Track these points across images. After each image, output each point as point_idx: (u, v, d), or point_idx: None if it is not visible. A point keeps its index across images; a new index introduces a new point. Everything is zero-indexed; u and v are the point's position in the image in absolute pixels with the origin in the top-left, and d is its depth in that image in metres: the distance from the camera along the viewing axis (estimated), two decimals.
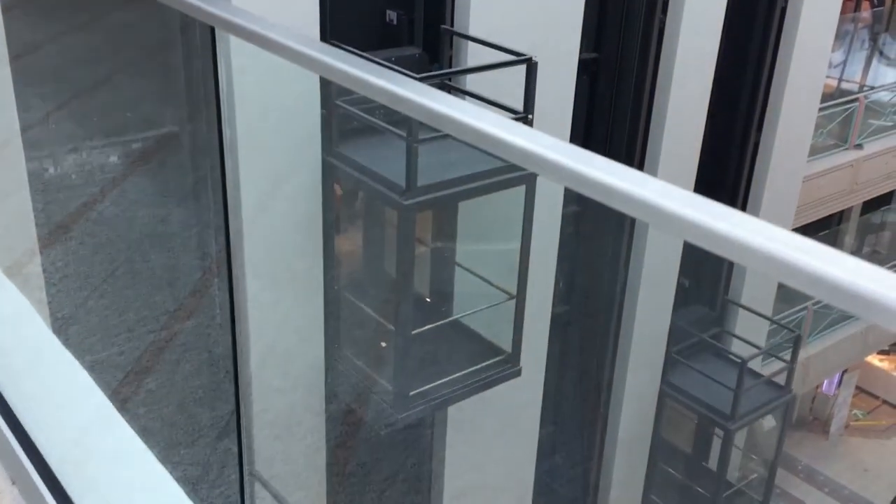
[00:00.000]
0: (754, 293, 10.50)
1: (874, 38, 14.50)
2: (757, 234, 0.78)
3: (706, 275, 10.29)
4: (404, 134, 5.60)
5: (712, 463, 10.18)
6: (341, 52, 1.21)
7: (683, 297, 9.73)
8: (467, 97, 6.70)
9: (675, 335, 9.69)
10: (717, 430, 9.81)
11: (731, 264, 10.00)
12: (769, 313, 10.88)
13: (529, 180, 6.30)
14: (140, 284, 5.77)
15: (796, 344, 10.08)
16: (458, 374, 6.62)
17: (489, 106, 6.21)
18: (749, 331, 10.38)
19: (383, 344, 6.81)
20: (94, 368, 5.23)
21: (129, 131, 5.64)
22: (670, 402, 9.85)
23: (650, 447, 10.05)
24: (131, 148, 5.66)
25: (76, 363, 2.04)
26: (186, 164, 5.95)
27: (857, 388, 17.98)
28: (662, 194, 0.84)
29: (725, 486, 9.84)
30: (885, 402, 18.43)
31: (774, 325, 11.03)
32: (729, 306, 10.61)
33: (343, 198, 6.77)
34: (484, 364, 6.77)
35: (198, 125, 5.77)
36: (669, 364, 9.75)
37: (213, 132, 5.77)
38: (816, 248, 0.76)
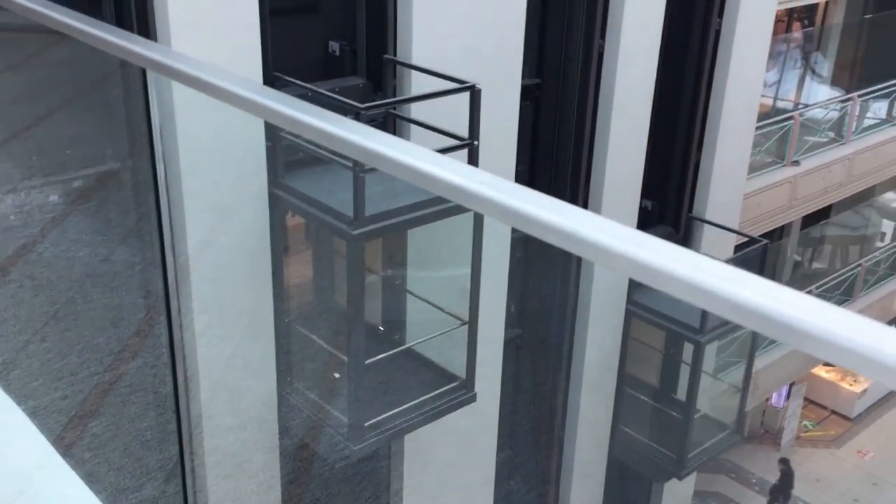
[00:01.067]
0: (719, 209, 10.39)
1: (806, 58, 14.94)
2: (680, 263, 0.79)
3: (670, 195, 10.10)
4: (351, 164, 5.59)
5: (680, 395, 9.99)
6: (276, 92, 1.21)
7: (647, 219, 9.59)
8: (413, 125, 6.73)
9: None
10: (685, 359, 9.61)
11: (694, 182, 10.09)
12: (735, 227, 10.71)
13: None
14: (82, 326, 5.64)
15: (764, 254, 9.82)
16: (413, 403, 6.58)
17: (435, 133, 6.25)
18: (716, 246, 10.23)
19: (336, 375, 6.75)
20: (36, 414, 5.08)
21: (69, 169, 5.54)
22: (637, 322, 9.62)
23: (617, 379, 9.88)
24: (72, 186, 5.56)
25: (18, 409, 1.99)
26: (128, 200, 5.85)
27: (806, 399, 18.30)
28: (595, 228, 0.86)
29: (696, 411, 9.66)
30: (833, 412, 18.79)
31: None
32: (694, 224, 10.39)
33: (291, 229, 6.72)
34: (439, 391, 6.74)
35: (139, 161, 5.69)
36: (634, 284, 9.50)
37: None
38: (740, 275, 0.78)
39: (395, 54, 6.83)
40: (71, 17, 1.54)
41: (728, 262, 9.00)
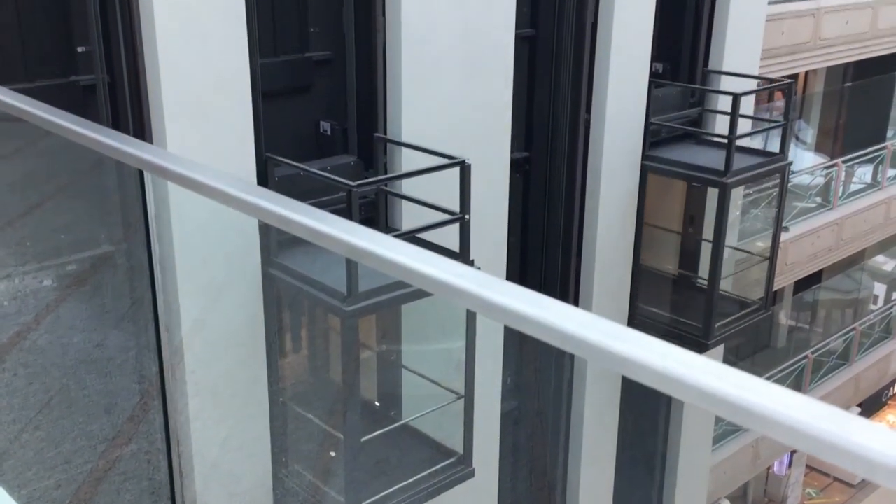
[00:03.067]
0: (738, 59, 9.79)
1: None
2: (669, 359, 0.81)
3: (683, 54, 9.56)
4: None
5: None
6: (268, 191, 1.25)
7: (658, 79, 9.14)
8: (404, 201, 6.80)
9: (653, 110, 9.00)
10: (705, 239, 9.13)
11: (708, 37, 9.52)
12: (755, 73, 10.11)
13: None
14: (76, 413, 5.59)
15: (789, 93, 9.27)
16: (410, 480, 6.50)
17: (427, 208, 6.32)
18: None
19: (332, 454, 6.68)
20: None
21: (63, 254, 5.57)
22: (654, 176, 9.03)
23: (632, 269, 9.26)
24: (66, 270, 5.58)
25: (11, 500, 1.97)
26: (123, 284, 5.87)
27: (808, 466, 18.10)
28: (562, 316, 0.89)
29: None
30: (836, 479, 18.56)
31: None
32: (710, 78, 9.66)
33: (285, 308, 6.72)
34: (436, 467, 6.66)
35: (133, 244, 5.74)
36: (649, 143, 9.05)
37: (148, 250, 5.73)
38: (705, 363, 0.80)
39: (385, 132, 6.95)
40: (65, 119, 1.59)
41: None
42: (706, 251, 9.28)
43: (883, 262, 18.43)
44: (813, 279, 15.63)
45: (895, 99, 16.51)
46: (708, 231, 9.22)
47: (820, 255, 14.00)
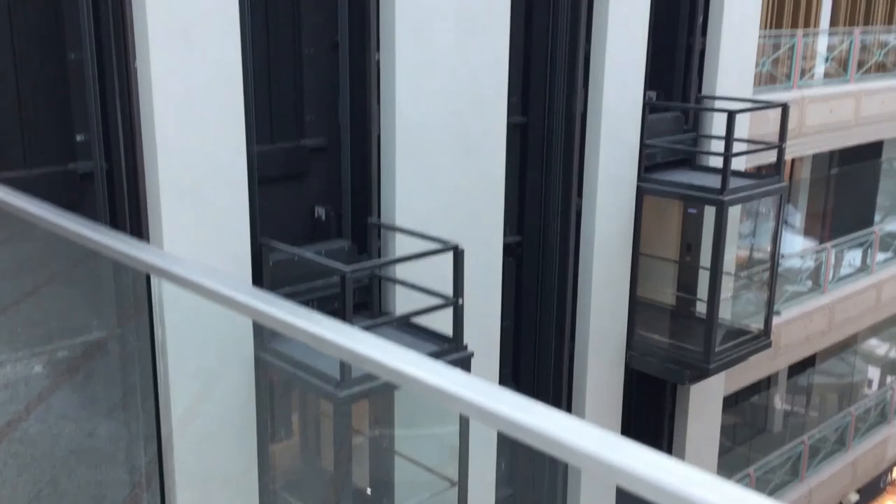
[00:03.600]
0: (731, 85, 9.81)
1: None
2: (661, 470, 0.82)
3: (676, 81, 9.57)
4: None
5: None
6: (271, 296, 1.27)
7: (652, 106, 9.13)
8: (398, 285, 6.82)
9: (648, 138, 8.99)
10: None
11: (700, 66, 9.55)
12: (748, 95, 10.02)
13: (464, 363, 6.34)
14: None
15: (784, 115, 9.22)
16: None
17: (420, 292, 6.33)
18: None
19: None
20: None
21: (54, 340, 5.53)
22: (650, 198, 9.06)
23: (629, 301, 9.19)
24: (57, 357, 5.53)
25: None
26: (115, 371, 5.81)
27: None
28: (546, 419, 0.90)
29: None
30: None
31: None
32: (704, 103, 9.75)
33: (278, 393, 6.66)
34: None
35: (126, 330, 5.71)
36: (644, 166, 9.05)
37: (143, 337, 5.70)
38: (696, 475, 0.81)
39: (379, 217, 7.02)
40: (68, 221, 1.61)
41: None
42: (704, 280, 9.34)
43: (876, 346, 18.41)
44: (807, 363, 15.58)
45: (880, 184, 16.78)
46: (705, 257, 9.29)
47: (812, 338, 13.99)
